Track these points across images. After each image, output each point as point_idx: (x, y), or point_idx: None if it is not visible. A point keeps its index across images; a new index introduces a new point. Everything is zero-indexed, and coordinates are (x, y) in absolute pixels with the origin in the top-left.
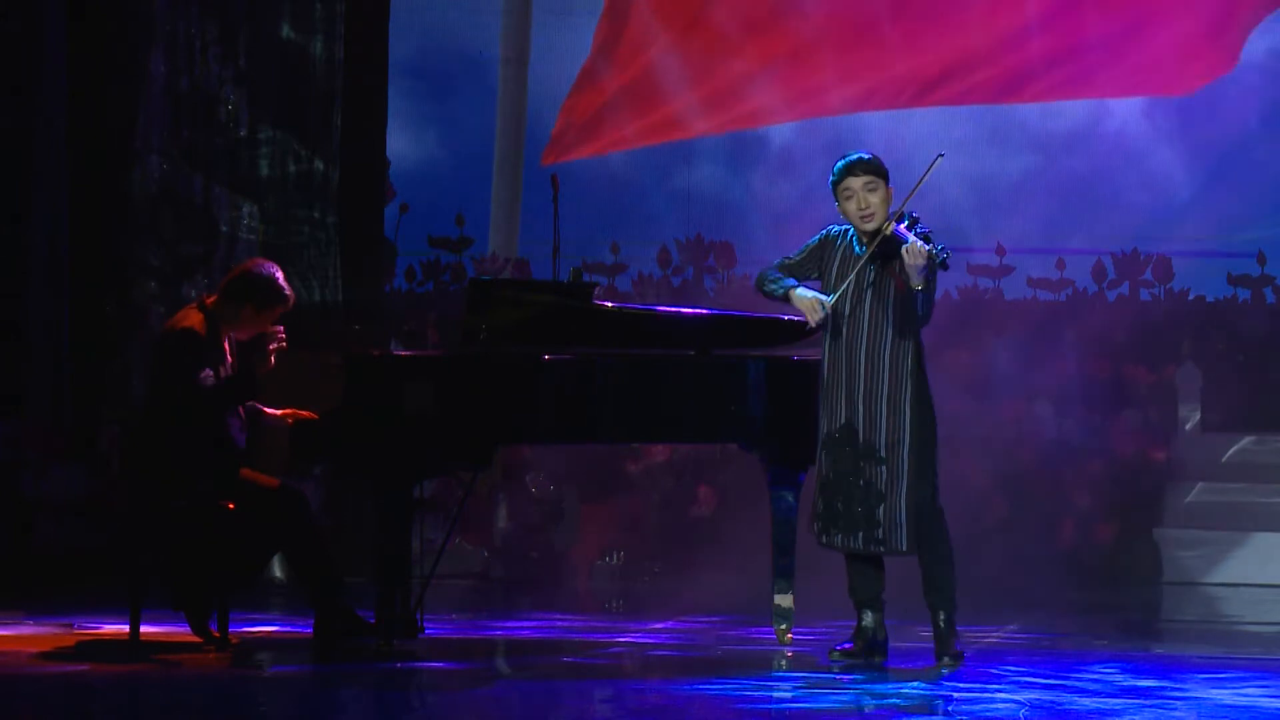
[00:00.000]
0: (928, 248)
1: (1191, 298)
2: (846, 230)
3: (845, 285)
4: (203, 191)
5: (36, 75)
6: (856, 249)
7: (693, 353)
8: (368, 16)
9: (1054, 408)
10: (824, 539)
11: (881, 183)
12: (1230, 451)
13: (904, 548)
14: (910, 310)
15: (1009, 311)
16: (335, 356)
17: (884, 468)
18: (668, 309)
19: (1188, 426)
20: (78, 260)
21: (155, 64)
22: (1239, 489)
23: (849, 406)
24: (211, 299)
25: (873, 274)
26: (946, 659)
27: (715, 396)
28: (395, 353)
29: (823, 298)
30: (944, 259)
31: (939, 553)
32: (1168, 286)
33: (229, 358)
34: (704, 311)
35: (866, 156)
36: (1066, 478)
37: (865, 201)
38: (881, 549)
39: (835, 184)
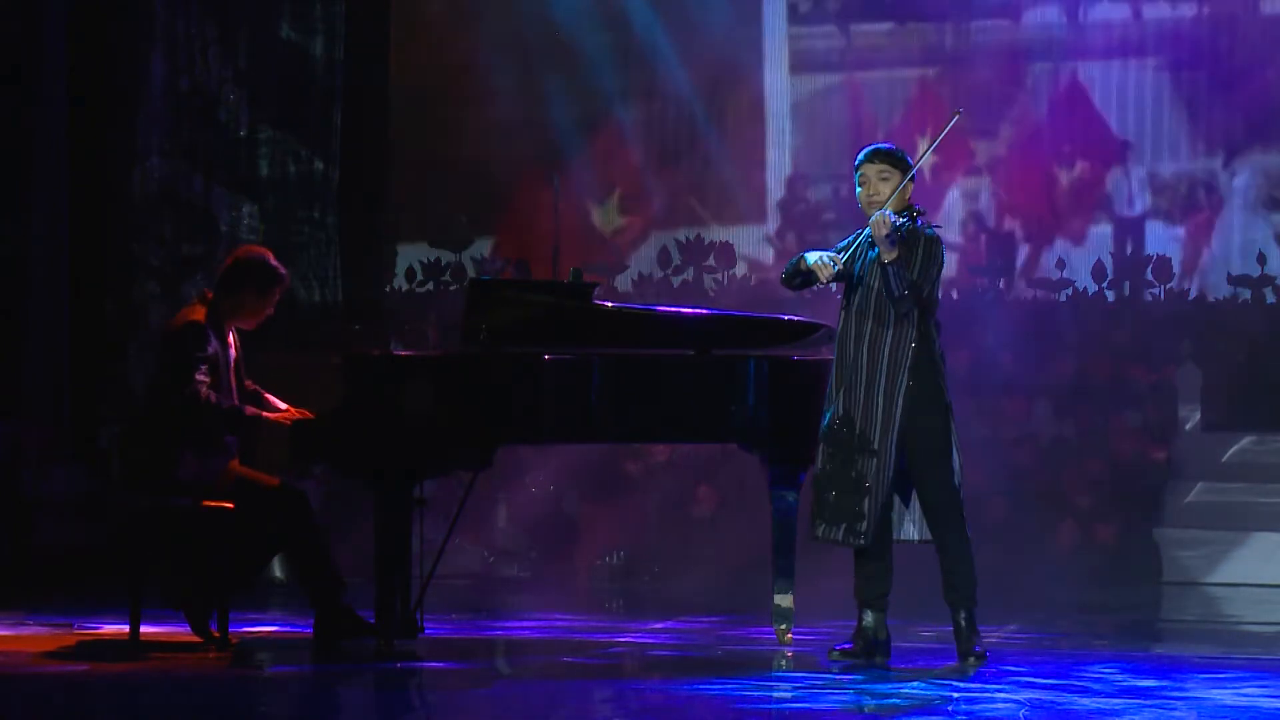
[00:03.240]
0: (892, 217)
1: (1191, 298)
2: None
3: (850, 244)
4: (203, 191)
5: (36, 74)
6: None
7: (692, 353)
8: (368, 16)
9: (1054, 407)
10: (812, 531)
11: (897, 173)
12: (1230, 451)
13: (869, 541)
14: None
15: (1009, 311)
16: (335, 356)
17: (875, 460)
18: (668, 309)
19: (1188, 426)
20: (78, 260)
21: (155, 64)
22: (1239, 489)
23: (848, 398)
24: (211, 293)
25: (873, 265)
26: (971, 659)
27: (715, 396)
28: (395, 353)
29: (830, 253)
30: (904, 229)
31: (956, 550)
32: (1168, 286)
33: (234, 350)
34: (704, 311)
35: (888, 147)
36: (1066, 478)
37: (875, 189)
38: (860, 542)
39: (855, 169)
